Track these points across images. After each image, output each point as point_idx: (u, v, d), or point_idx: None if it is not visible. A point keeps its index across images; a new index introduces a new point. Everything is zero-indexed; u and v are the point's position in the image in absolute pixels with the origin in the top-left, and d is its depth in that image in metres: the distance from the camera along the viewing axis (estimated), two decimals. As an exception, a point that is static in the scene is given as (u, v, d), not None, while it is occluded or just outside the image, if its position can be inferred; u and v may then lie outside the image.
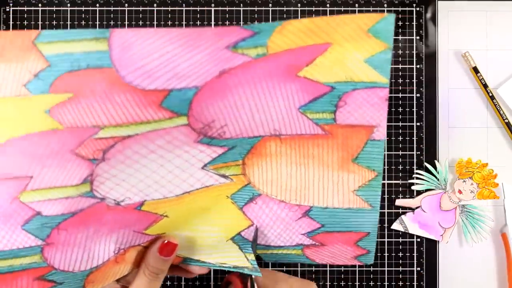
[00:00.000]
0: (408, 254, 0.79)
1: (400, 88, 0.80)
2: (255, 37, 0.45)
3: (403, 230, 0.78)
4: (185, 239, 0.59)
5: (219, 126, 0.51)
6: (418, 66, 0.80)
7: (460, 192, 0.78)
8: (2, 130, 0.45)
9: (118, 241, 0.56)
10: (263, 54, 0.46)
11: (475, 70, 0.79)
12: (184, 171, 0.53)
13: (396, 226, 0.79)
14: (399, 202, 0.79)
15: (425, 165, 0.79)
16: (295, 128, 0.53)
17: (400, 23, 0.80)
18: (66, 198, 0.49)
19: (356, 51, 0.48)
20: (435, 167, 0.79)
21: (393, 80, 0.80)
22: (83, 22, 0.80)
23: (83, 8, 0.80)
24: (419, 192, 0.79)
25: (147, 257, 0.58)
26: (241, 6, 0.80)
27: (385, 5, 0.80)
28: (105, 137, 0.48)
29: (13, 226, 0.49)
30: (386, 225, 0.79)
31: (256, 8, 0.80)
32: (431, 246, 0.79)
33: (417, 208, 0.78)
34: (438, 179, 0.78)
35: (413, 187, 0.79)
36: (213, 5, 0.80)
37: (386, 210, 0.79)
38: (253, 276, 0.59)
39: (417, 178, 0.79)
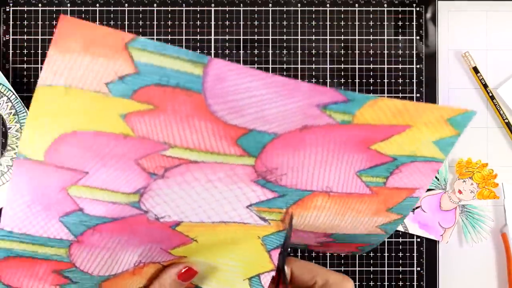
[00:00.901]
0: (408, 254, 0.79)
1: (400, 88, 0.80)
2: (347, 104, 0.45)
3: (403, 230, 0.79)
4: (204, 268, 0.59)
5: (279, 174, 0.51)
6: (418, 66, 0.80)
7: (460, 192, 0.78)
8: (72, 120, 0.45)
9: (142, 254, 0.55)
10: (348, 122, 0.47)
11: (475, 70, 0.79)
12: (230, 204, 0.53)
13: (396, 226, 0.79)
14: (399, 202, 0.79)
15: (425, 165, 0.79)
16: (346, 187, 0.54)
17: (400, 23, 0.80)
18: (113, 203, 0.49)
19: (431, 135, 0.49)
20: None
21: (393, 80, 0.80)
22: (83, 22, 0.80)
23: (83, 8, 0.80)
24: (419, 192, 0.79)
25: (163, 277, 0.58)
26: (241, 6, 0.80)
27: (385, 5, 0.80)
28: (172, 156, 0.47)
29: (51, 215, 0.49)
30: (386, 225, 0.79)
31: (256, 8, 0.80)
32: (431, 246, 0.79)
33: (417, 208, 0.78)
34: (438, 179, 0.78)
35: (413, 187, 0.79)
36: (213, 5, 0.80)
37: (386, 210, 0.79)
38: (285, 269, 0.59)
39: (417, 178, 0.79)
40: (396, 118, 0.47)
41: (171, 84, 0.43)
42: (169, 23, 0.80)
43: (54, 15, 0.80)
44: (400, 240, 0.79)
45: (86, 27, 0.42)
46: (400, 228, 0.78)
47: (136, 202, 0.50)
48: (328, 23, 0.80)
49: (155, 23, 0.80)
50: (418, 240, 0.79)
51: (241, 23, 0.80)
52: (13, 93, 0.76)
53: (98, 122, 0.45)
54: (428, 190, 0.78)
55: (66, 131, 0.45)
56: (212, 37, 0.80)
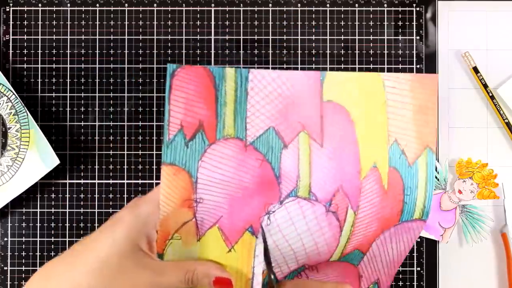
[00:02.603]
0: (408, 254, 0.79)
1: (400, 88, 0.80)
2: None
3: (403, 230, 0.79)
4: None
5: None
6: (418, 66, 0.80)
7: (460, 192, 0.78)
8: None
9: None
10: None
11: (475, 70, 0.79)
12: None
13: (396, 226, 0.79)
14: (399, 202, 0.79)
15: (425, 165, 0.79)
16: None
17: (400, 23, 0.80)
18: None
19: None
20: (435, 167, 0.79)
21: (393, 80, 0.80)
22: (83, 22, 0.80)
23: (83, 8, 0.80)
24: (419, 192, 0.79)
25: (201, 272, 0.57)
26: (241, 6, 0.80)
27: (385, 5, 0.80)
28: None
29: None
30: (386, 225, 0.79)
31: (256, 8, 0.80)
32: (431, 246, 0.79)
33: (417, 208, 0.79)
34: (438, 179, 0.78)
35: (413, 187, 0.79)
36: (213, 5, 0.80)
37: (386, 210, 0.79)
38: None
39: (417, 178, 0.79)
40: None
41: None
42: (169, 23, 0.80)
43: (54, 15, 0.80)
44: (400, 240, 0.79)
45: None
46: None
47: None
48: (328, 23, 0.80)
49: (155, 23, 0.80)
50: (418, 240, 0.79)
51: (241, 23, 0.80)
52: (13, 93, 0.77)
53: None
54: (428, 190, 0.79)
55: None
56: (212, 37, 0.80)
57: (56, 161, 0.76)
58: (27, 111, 0.77)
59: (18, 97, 0.77)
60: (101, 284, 0.55)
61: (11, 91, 0.77)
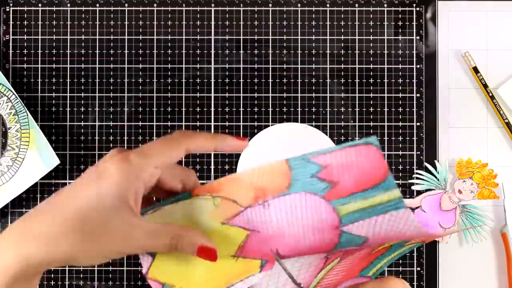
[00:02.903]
0: (408, 254, 0.79)
1: (400, 88, 0.80)
2: None
3: (403, 230, 0.79)
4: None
5: None
6: (418, 66, 0.80)
7: (460, 192, 0.78)
8: None
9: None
10: None
11: (475, 70, 0.79)
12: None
13: (396, 226, 0.79)
14: (399, 202, 0.79)
15: (425, 165, 0.79)
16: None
17: (400, 23, 0.80)
18: None
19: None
20: (435, 167, 0.79)
21: (393, 80, 0.80)
22: (83, 22, 0.80)
23: (83, 8, 0.80)
24: (419, 192, 0.79)
25: (186, 239, 0.55)
26: (241, 6, 0.80)
27: (385, 5, 0.80)
28: None
29: None
30: (386, 225, 0.79)
31: (256, 8, 0.80)
32: (431, 246, 0.79)
33: (417, 208, 0.79)
34: (438, 179, 0.78)
35: (413, 187, 0.79)
36: (213, 5, 0.80)
37: (386, 210, 0.79)
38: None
39: (417, 178, 0.79)
40: None
41: None
42: (169, 23, 0.80)
43: (54, 15, 0.80)
44: (400, 240, 0.79)
45: None
46: (400, 228, 0.78)
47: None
48: (328, 23, 0.80)
49: (155, 23, 0.80)
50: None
51: (241, 23, 0.80)
52: (13, 93, 0.77)
53: None
54: (428, 190, 0.79)
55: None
56: (212, 37, 0.80)
57: (56, 161, 0.76)
58: (27, 111, 0.77)
59: (18, 97, 0.77)
60: (81, 242, 0.51)
61: (11, 91, 0.77)
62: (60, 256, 0.51)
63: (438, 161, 0.79)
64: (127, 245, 0.52)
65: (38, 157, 0.76)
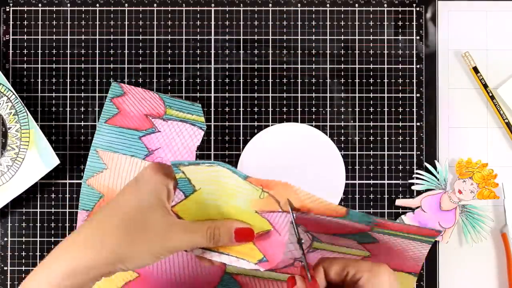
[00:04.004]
0: (408, 254, 0.79)
1: (400, 88, 0.80)
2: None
3: (403, 230, 0.79)
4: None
5: None
6: (418, 66, 0.80)
7: (460, 192, 0.78)
8: None
9: None
10: None
11: (475, 70, 0.79)
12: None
13: (396, 226, 0.79)
14: (399, 202, 0.79)
15: (425, 165, 0.79)
16: None
17: (400, 23, 0.80)
18: None
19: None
20: (435, 167, 0.79)
21: (393, 80, 0.80)
22: (83, 22, 0.80)
23: (83, 8, 0.80)
24: (419, 192, 0.79)
25: (222, 228, 0.61)
26: (241, 6, 0.80)
27: (385, 5, 0.80)
28: None
29: None
30: (386, 225, 0.79)
31: (256, 8, 0.80)
32: (431, 246, 0.79)
33: (417, 208, 0.78)
34: (438, 179, 0.78)
35: (413, 187, 0.79)
36: (213, 5, 0.80)
37: (386, 210, 0.79)
38: (303, 262, 0.60)
39: (417, 178, 0.79)
40: None
41: None
42: (169, 23, 0.80)
43: (54, 15, 0.80)
44: (400, 240, 0.79)
45: None
46: (400, 228, 0.78)
47: None
48: (328, 23, 0.80)
49: (155, 23, 0.80)
50: (418, 240, 0.79)
51: (241, 23, 0.80)
52: (13, 93, 0.76)
53: None
54: (428, 190, 0.79)
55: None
56: (212, 37, 0.80)
57: (56, 161, 0.76)
58: (27, 111, 0.77)
59: (18, 97, 0.77)
60: (125, 240, 0.55)
61: (11, 91, 0.77)
62: (106, 258, 0.55)
63: (438, 161, 0.79)
64: (168, 241, 0.57)
65: (38, 157, 0.76)
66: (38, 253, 0.79)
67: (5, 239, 0.79)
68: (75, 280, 0.54)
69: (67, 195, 0.79)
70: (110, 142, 0.77)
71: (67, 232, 0.79)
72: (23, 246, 0.79)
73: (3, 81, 0.77)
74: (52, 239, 0.79)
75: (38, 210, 0.79)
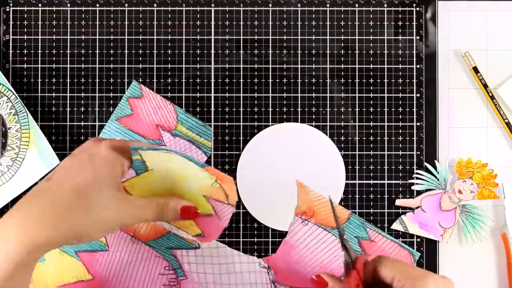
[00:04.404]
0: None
1: (400, 88, 0.80)
2: None
3: (403, 230, 0.79)
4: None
5: None
6: (418, 66, 0.80)
7: (460, 192, 0.78)
8: None
9: None
10: None
11: (475, 70, 0.79)
12: None
13: (396, 226, 0.79)
14: (399, 202, 0.79)
15: (425, 165, 0.79)
16: None
17: (400, 23, 0.80)
18: None
19: None
20: (435, 167, 0.79)
21: (393, 80, 0.80)
22: (83, 22, 0.80)
23: (83, 8, 0.80)
24: (419, 192, 0.79)
25: (167, 207, 0.64)
26: (241, 6, 0.80)
27: (385, 5, 0.80)
28: None
29: None
30: (386, 225, 0.79)
31: (256, 8, 0.80)
32: (431, 246, 0.79)
33: (417, 208, 0.78)
34: (438, 179, 0.78)
35: (413, 187, 0.79)
36: (213, 5, 0.80)
37: (386, 210, 0.79)
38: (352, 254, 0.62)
39: (417, 178, 0.79)
40: None
41: None
42: (169, 23, 0.80)
43: (54, 15, 0.80)
44: (400, 240, 0.79)
45: None
46: (400, 228, 0.78)
47: None
48: (328, 23, 0.80)
49: (155, 23, 0.80)
50: (418, 240, 0.79)
51: (241, 23, 0.80)
52: (13, 93, 0.77)
53: None
54: (428, 190, 0.79)
55: None
56: (212, 37, 0.80)
57: (56, 161, 0.76)
58: (27, 111, 0.77)
59: (18, 97, 0.77)
60: (82, 218, 0.56)
61: (11, 91, 0.77)
62: (64, 235, 0.56)
63: (438, 161, 0.79)
64: (122, 215, 0.59)
65: (38, 157, 0.76)
66: (38, 253, 0.79)
67: (5, 239, 0.79)
68: (31, 256, 0.54)
69: (67, 195, 0.79)
70: None
71: (67, 232, 0.79)
72: (23, 246, 0.79)
73: (3, 81, 0.77)
74: (52, 239, 0.79)
75: (38, 210, 0.79)
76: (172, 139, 0.77)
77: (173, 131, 0.78)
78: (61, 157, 0.78)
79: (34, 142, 0.76)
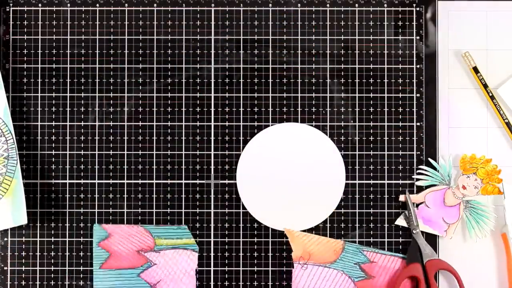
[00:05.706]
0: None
1: (400, 88, 0.80)
2: None
3: (407, 226, 0.78)
4: None
5: None
6: (418, 66, 0.80)
7: (464, 187, 0.78)
8: None
9: None
10: None
11: (475, 70, 0.79)
12: None
13: (400, 221, 0.79)
14: (403, 197, 0.79)
15: (429, 160, 0.79)
16: None
17: (400, 23, 0.80)
18: None
19: None
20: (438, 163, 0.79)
21: (393, 80, 0.80)
22: (83, 22, 0.80)
23: (83, 8, 0.80)
24: (419, 190, 0.79)
25: None
26: (241, 6, 0.80)
27: (385, 5, 0.80)
28: None
29: None
30: (386, 225, 0.79)
31: (256, 8, 0.80)
32: (431, 245, 0.79)
33: (421, 203, 0.78)
34: (441, 175, 0.78)
35: (417, 183, 0.79)
36: (213, 5, 0.80)
37: (386, 210, 0.79)
38: None
39: (421, 174, 0.79)
40: None
41: None
42: (169, 23, 0.80)
43: (54, 15, 0.80)
44: (400, 240, 0.79)
45: None
46: (404, 223, 0.78)
47: None
48: (328, 23, 0.80)
49: (155, 23, 0.80)
50: (419, 239, 0.79)
51: (241, 23, 0.80)
52: (12, 137, 0.74)
53: None
54: (432, 185, 0.78)
55: None
56: (212, 37, 0.80)
57: (24, 221, 0.74)
58: (19, 161, 0.75)
59: (16, 143, 0.75)
60: None
61: (11, 133, 0.75)
62: None
63: (438, 161, 0.79)
64: None
65: (9, 208, 0.74)
66: (38, 253, 0.78)
67: (5, 239, 0.78)
68: None
69: (67, 195, 0.79)
70: (111, 287, 0.78)
71: (67, 232, 0.79)
72: (23, 246, 0.78)
73: (7, 121, 0.75)
74: (52, 239, 0.78)
75: (38, 210, 0.79)
76: (158, 255, 0.79)
77: (155, 247, 0.79)
78: (61, 157, 0.78)
79: (12, 192, 0.74)
